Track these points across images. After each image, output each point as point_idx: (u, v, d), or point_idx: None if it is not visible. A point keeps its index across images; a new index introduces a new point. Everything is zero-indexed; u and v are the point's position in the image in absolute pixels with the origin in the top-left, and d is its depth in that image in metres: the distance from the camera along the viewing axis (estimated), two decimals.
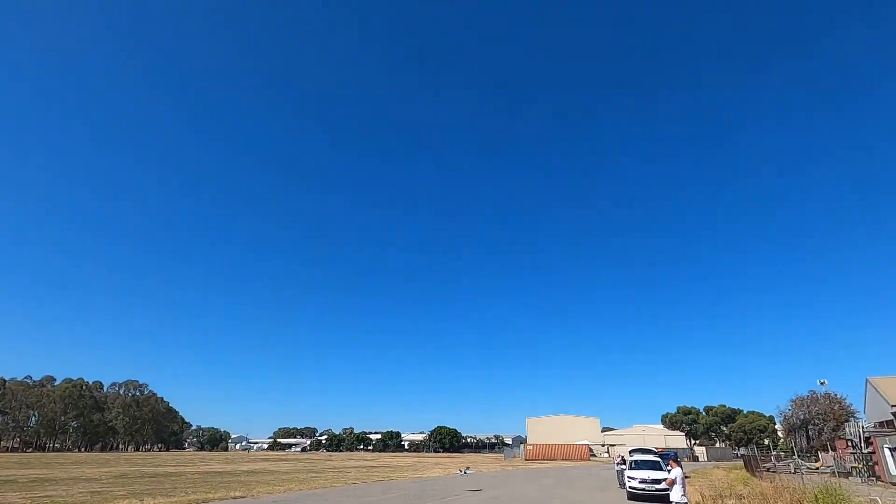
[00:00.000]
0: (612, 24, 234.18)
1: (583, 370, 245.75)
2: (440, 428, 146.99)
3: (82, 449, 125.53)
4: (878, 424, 48.77)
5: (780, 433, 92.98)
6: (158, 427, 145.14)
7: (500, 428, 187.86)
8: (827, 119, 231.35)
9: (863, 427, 34.58)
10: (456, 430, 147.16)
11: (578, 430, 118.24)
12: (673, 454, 16.52)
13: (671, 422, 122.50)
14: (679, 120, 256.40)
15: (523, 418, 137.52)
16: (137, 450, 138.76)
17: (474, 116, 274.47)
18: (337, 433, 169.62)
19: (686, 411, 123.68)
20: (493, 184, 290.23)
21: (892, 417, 49.23)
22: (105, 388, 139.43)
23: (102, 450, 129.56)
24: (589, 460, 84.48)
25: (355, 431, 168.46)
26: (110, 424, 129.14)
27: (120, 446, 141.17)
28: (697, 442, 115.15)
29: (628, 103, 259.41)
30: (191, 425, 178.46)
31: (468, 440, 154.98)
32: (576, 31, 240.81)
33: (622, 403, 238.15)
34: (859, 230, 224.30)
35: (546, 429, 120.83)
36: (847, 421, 54.00)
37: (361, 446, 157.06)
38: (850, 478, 29.55)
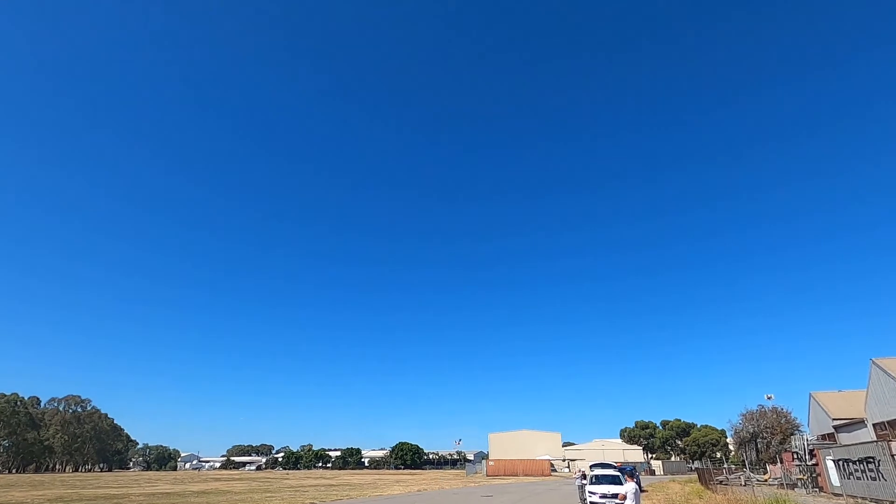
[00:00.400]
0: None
1: (545, 385, 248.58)
2: (401, 444, 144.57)
3: (14, 470, 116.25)
4: (820, 437, 51.24)
5: (731, 446, 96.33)
6: (101, 446, 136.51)
7: (463, 443, 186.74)
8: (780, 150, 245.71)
9: (807, 440, 36.22)
10: (418, 447, 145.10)
11: (540, 444, 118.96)
12: (631, 468, 16.76)
13: (629, 436, 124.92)
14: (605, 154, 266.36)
15: (486, 433, 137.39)
16: (77, 470, 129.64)
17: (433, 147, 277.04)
18: (294, 450, 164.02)
19: (644, 426, 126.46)
20: (452, 196, 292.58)
21: (833, 431, 51.89)
22: (42, 404, 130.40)
23: (37, 471, 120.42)
24: (550, 475, 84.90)
25: (314, 448, 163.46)
26: (47, 443, 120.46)
27: (57, 467, 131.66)
28: (654, 456, 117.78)
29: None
30: (137, 443, 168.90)
31: (430, 456, 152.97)
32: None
33: (583, 418, 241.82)
34: (802, 252, 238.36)
35: (508, 444, 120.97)
36: (793, 434, 56.49)
37: (320, 464, 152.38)
38: (795, 489, 30.81)
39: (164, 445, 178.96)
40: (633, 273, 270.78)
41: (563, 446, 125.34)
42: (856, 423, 47.39)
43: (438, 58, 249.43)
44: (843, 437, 48.68)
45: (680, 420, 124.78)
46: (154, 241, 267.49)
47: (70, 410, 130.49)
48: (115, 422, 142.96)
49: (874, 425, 42.60)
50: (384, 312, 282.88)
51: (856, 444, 22.95)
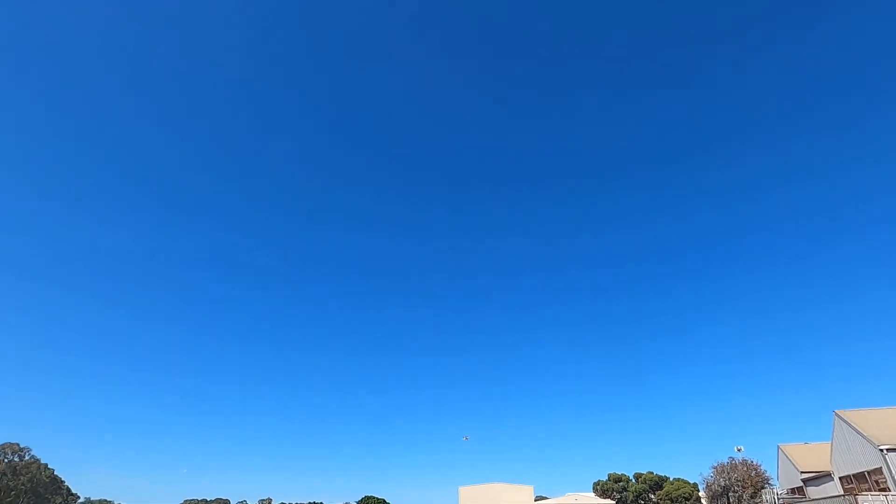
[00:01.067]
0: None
1: (518, 435, 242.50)
2: (368, 498, 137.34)
3: None
4: (790, 491, 51.29)
5: (703, 500, 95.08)
6: (38, 499, 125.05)
7: (432, 496, 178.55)
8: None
9: (777, 494, 36.13)
10: (384, 500, 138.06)
11: (512, 498, 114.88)
12: None
13: (602, 489, 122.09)
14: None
15: (455, 486, 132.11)
16: None
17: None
18: None
19: (617, 478, 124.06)
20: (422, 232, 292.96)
21: (801, 484, 52.01)
22: None
23: None
24: None
25: (273, 502, 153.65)
26: None
27: None
28: None
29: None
30: (78, 497, 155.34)
31: None
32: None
33: (556, 469, 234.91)
34: (766, 301, 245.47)
35: (479, 497, 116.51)
36: (763, 488, 56.34)
37: None
38: None
39: (108, 500, 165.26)
40: (604, 322, 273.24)
41: (535, 500, 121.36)
42: (823, 476, 47.67)
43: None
44: (812, 491, 48.79)
45: (653, 473, 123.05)
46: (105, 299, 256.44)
47: (6, 460, 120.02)
48: (55, 473, 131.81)
49: (840, 478, 42.93)
50: (347, 354, 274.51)
51: (824, 497, 23.03)
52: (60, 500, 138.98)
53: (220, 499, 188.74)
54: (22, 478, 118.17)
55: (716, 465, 63.53)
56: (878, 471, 36.92)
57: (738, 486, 58.37)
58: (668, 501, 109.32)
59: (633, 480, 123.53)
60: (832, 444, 44.46)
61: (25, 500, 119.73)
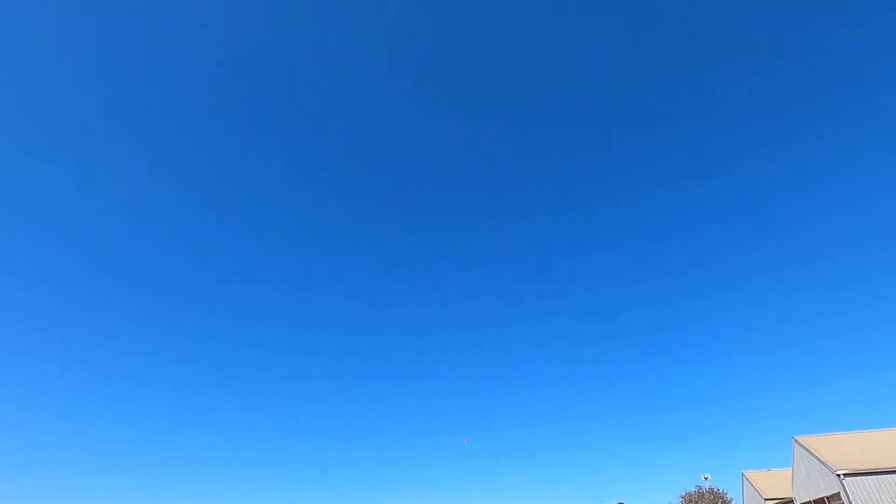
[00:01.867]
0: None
1: (475, 465, 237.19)
2: None
3: None
4: None
5: None
6: None
7: None
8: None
9: None
10: None
11: None
12: None
13: None
14: None
15: None
16: None
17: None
18: None
19: None
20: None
21: None
22: None
23: None
24: None
25: None
26: None
27: None
28: None
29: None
30: None
31: None
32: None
33: (518, 499, 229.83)
34: (726, 325, 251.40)
35: None
36: None
37: None
38: None
39: None
40: (566, 347, 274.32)
41: None
42: (787, 503, 48.24)
43: None
44: None
45: (623, 503, 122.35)
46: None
47: None
48: None
49: None
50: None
51: None
52: None
53: None
54: None
55: (683, 494, 63.58)
56: (837, 496, 37.57)
57: None
58: None
59: None
60: (793, 470, 45.20)
61: None
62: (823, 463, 38.69)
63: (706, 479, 64.27)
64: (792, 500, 46.34)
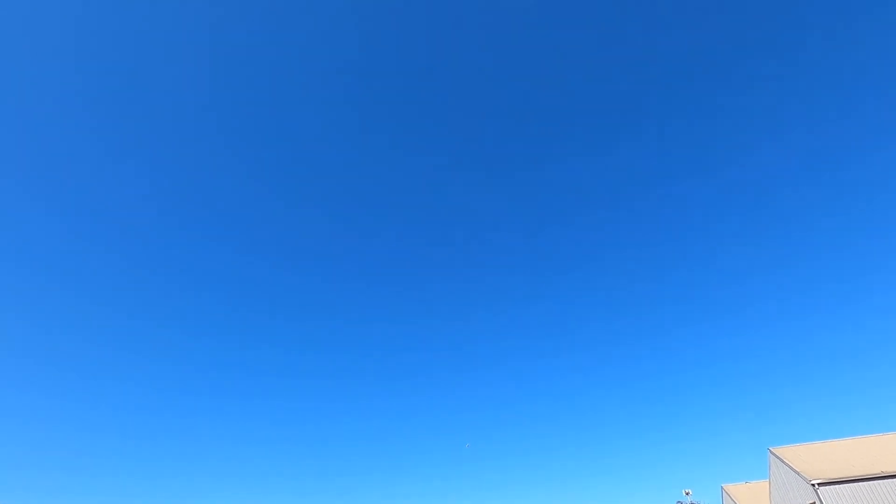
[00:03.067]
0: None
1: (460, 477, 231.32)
2: None
3: None
4: None
5: None
6: None
7: None
8: None
9: None
10: None
11: None
12: None
13: None
14: None
15: None
16: None
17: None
18: None
19: None
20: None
21: None
22: None
23: None
24: None
25: None
26: None
27: None
28: None
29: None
30: None
31: None
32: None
33: None
34: (696, 334, 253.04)
35: None
36: None
37: None
38: None
39: None
40: (536, 358, 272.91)
41: None
42: None
43: None
44: None
45: None
46: None
47: None
48: None
49: None
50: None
51: None
52: None
53: None
54: None
55: None
56: None
57: None
58: None
59: None
60: (770, 481, 44.44)
61: None
62: (798, 473, 37.98)
63: (687, 493, 63.07)
64: None
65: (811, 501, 36.75)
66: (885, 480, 35.51)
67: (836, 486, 35.73)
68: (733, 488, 57.34)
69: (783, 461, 40.51)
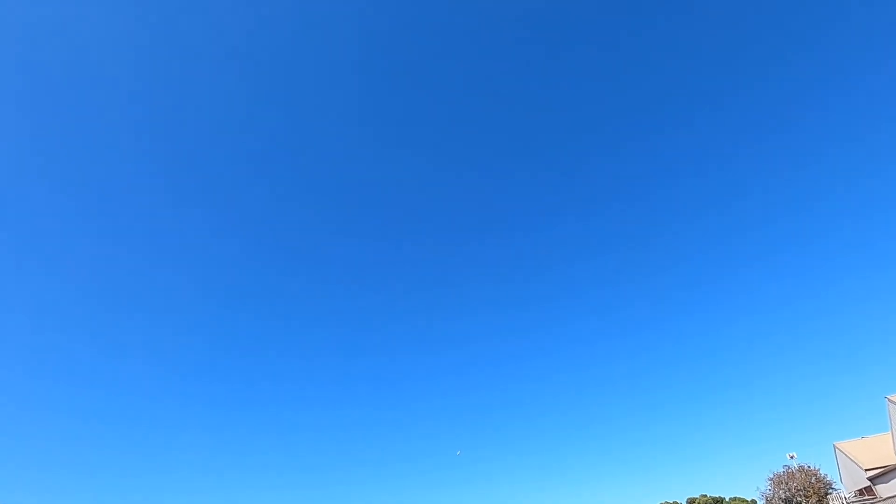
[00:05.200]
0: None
1: (552, 459, 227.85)
2: None
3: None
4: (857, 493, 47.13)
5: None
6: None
7: None
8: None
9: (845, 498, 32.80)
10: None
11: None
12: None
13: None
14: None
15: None
16: None
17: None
18: None
19: None
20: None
21: (869, 483, 47.79)
22: None
23: None
24: None
25: None
26: None
27: None
28: None
29: None
30: None
31: None
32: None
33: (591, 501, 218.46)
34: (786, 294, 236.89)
35: None
36: (828, 494, 51.84)
37: None
38: None
39: None
40: (625, 333, 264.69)
41: None
42: (891, 471, 43.71)
43: None
44: (882, 489, 44.68)
45: (706, 495, 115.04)
46: None
47: None
48: None
49: None
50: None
51: None
52: None
53: None
54: None
55: (772, 475, 58.93)
56: None
57: (800, 495, 53.74)
58: None
59: None
60: (892, 433, 41.05)
61: None
62: None
63: (792, 457, 59.48)
64: None
65: None
66: None
67: None
68: (847, 445, 53.54)
69: None
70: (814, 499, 52.37)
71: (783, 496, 57.09)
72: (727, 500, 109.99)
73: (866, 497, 48.73)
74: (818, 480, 54.56)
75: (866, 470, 48.35)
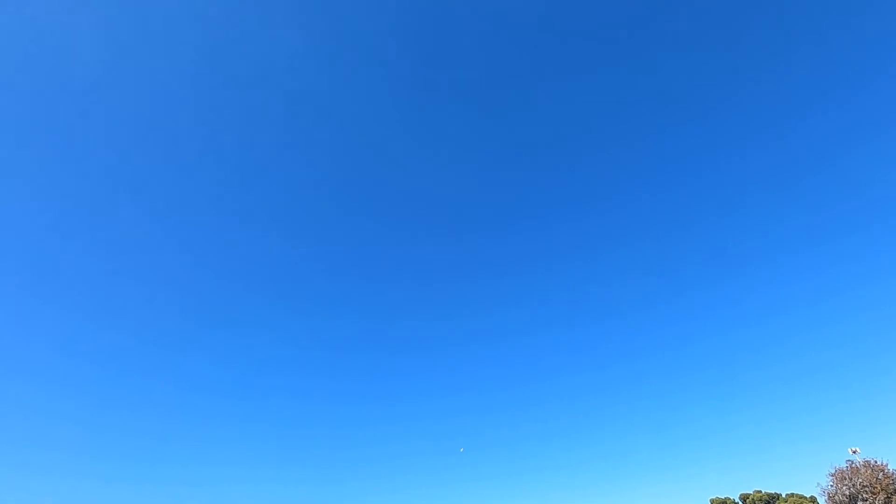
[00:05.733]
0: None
1: (600, 456, 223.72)
2: None
3: None
4: None
5: None
6: None
7: None
8: None
9: None
10: None
11: None
12: None
13: None
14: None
15: None
16: None
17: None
18: None
19: (720, 502, 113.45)
20: None
21: None
22: None
23: None
24: None
25: None
26: None
27: None
28: None
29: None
30: None
31: None
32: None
33: (641, 497, 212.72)
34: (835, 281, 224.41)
35: None
36: None
37: None
38: None
39: None
40: (688, 322, 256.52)
41: None
42: None
43: None
44: None
45: (761, 491, 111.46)
46: None
47: None
48: None
49: None
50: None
51: None
52: None
53: None
54: None
55: (834, 471, 56.85)
56: None
57: (867, 492, 51.69)
58: None
59: (740, 503, 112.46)
60: None
61: None
62: None
63: (854, 451, 57.19)
64: None
65: None
66: None
67: None
68: None
69: None
70: (882, 496, 50.31)
71: (847, 493, 55.01)
72: (783, 496, 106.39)
73: None
74: (886, 476, 52.29)
75: None
